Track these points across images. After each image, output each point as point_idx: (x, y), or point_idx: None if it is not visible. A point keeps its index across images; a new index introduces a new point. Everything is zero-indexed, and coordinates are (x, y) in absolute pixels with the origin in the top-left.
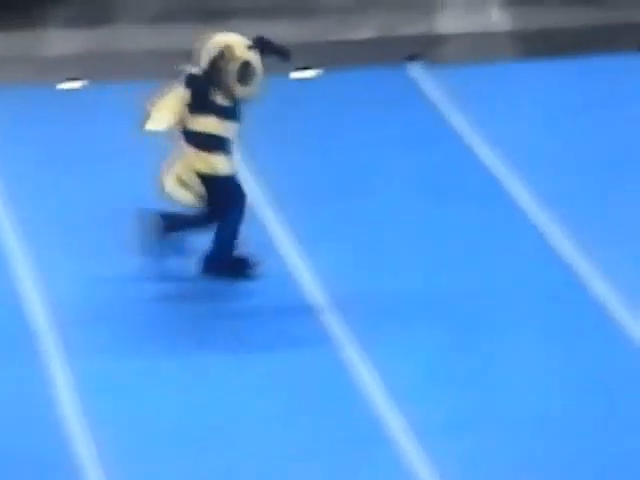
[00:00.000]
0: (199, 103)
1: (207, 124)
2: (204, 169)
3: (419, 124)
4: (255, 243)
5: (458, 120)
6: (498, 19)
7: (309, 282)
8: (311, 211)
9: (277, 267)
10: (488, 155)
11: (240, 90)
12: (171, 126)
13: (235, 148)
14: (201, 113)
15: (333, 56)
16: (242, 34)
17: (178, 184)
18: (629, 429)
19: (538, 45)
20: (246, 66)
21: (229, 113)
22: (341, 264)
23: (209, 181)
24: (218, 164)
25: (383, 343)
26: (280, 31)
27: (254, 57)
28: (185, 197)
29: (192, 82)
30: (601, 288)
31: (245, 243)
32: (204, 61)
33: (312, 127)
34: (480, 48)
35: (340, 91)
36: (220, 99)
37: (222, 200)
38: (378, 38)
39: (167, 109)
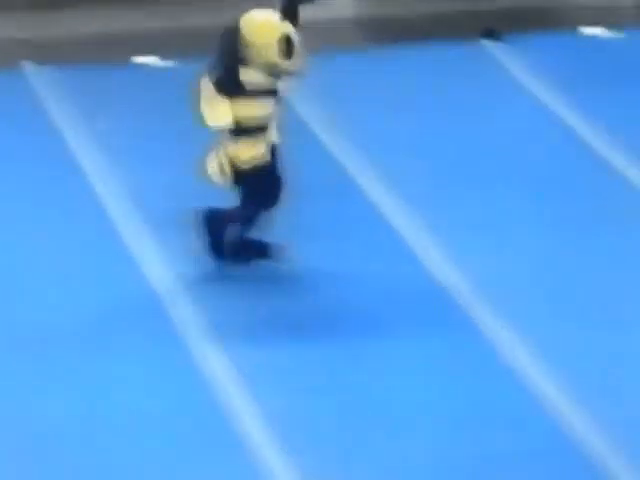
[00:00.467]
0: (230, 89)
1: (242, 109)
2: (235, 158)
3: None
4: None
5: (305, 108)
6: (343, 7)
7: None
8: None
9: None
10: (338, 145)
11: (286, 65)
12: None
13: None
14: (235, 98)
15: (180, 43)
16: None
17: (218, 169)
18: (484, 428)
19: (382, 33)
20: (284, 40)
21: (264, 91)
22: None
23: (240, 171)
24: (247, 153)
25: (235, 334)
26: (124, 19)
27: (289, 29)
28: (222, 182)
29: (218, 67)
30: (455, 277)
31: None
32: (230, 43)
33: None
34: (325, 37)
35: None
36: (253, 78)
37: (252, 188)
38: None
39: (222, 102)
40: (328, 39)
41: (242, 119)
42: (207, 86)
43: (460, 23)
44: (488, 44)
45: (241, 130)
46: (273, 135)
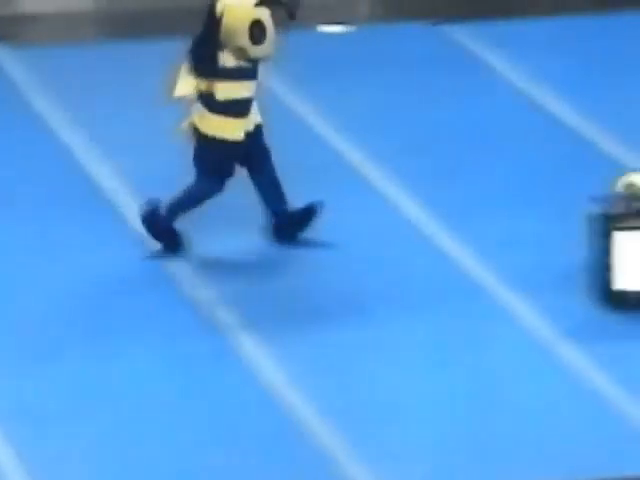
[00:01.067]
0: (208, 68)
1: (221, 88)
2: (204, 128)
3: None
4: None
5: (43, 102)
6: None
7: None
8: None
9: None
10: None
11: (255, 51)
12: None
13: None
14: (212, 78)
15: None
16: None
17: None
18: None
19: (124, 27)
20: (256, 25)
21: (244, 73)
22: None
23: (203, 141)
24: (224, 128)
25: None
26: None
27: (263, 14)
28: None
29: (195, 47)
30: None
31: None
32: (207, 24)
33: None
34: (66, 29)
35: None
36: (231, 61)
37: (207, 165)
38: None
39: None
40: (68, 32)
41: (223, 100)
42: (185, 65)
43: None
44: None
45: (220, 107)
46: (253, 118)
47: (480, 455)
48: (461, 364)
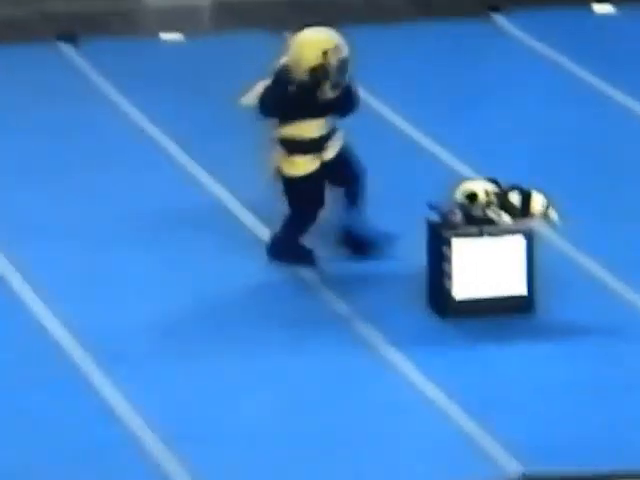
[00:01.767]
0: (304, 108)
1: (285, 128)
2: (284, 169)
3: None
4: None
5: None
6: None
7: None
8: None
9: None
10: None
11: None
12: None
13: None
14: (304, 117)
15: None
16: None
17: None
18: None
19: None
20: (318, 68)
21: (330, 106)
22: None
23: (284, 181)
24: (297, 166)
25: None
26: None
27: (331, 57)
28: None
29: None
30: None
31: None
32: (305, 66)
33: None
34: None
35: None
36: (328, 93)
37: (295, 201)
38: None
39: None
40: None
41: (290, 138)
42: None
43: (34, 26)
44: (66, 48)
45: (290, 146)
46: (328, 153)
47: (312, 468)
48: (290, 373)
